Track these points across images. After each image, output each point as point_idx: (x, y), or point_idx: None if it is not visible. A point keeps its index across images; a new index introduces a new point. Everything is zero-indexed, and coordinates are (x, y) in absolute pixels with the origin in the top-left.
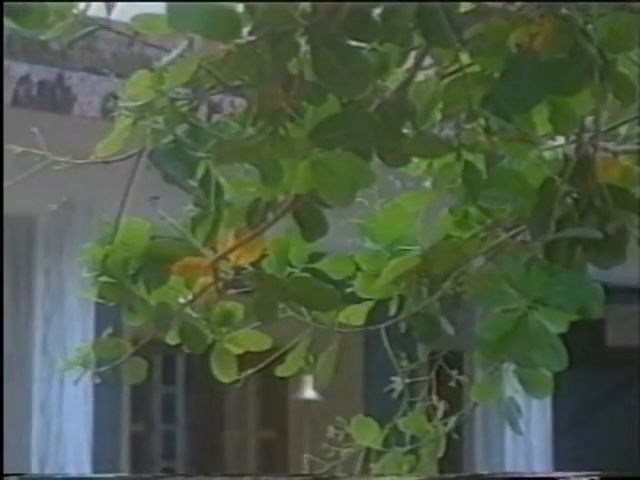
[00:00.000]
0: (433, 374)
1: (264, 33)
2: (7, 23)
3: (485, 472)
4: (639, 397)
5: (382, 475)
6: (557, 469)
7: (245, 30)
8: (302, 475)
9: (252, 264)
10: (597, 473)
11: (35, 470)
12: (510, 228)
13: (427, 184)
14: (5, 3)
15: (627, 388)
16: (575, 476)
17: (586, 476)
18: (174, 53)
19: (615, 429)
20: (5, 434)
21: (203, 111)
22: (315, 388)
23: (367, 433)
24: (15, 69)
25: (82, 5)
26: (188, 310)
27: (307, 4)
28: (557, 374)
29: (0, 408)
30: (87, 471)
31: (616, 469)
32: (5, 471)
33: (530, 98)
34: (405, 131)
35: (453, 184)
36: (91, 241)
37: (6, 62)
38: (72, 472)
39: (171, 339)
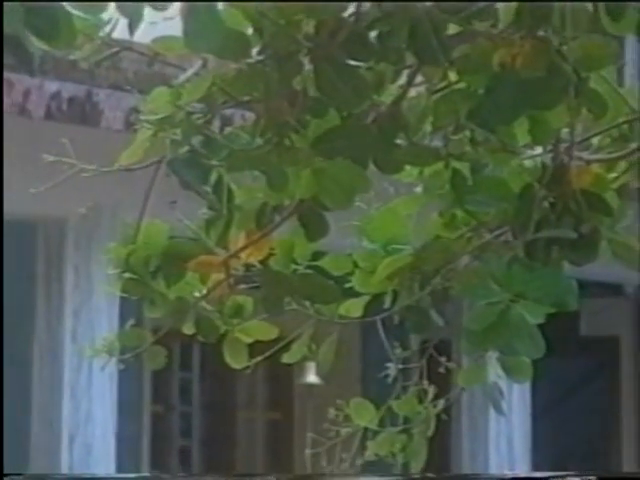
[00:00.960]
0: (424, 361)
1: (271, 53)
2: (40, 44)
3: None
4: (609, 382)
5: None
6: (535, 447)
7: (254, 51)
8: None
9: (260, 262)
10: (594, 473)
11: (65, 448)
12: (493, 229)
13: (418, 190)
14: (37, 25)
15: (598, 374)
16: (572, 476)
17: (582, 476)
18: (190, 72)
19: (587, 411)
20: (38, 415)
21: (216, 124)
22: (317, 373)
23: (364, 414)
24: (47, 86)
25: (107, 28)
26: (203, 303)
27: (310, 27)
28: (535, 361)
29: (0, 408)
30: (112, 448)
31: (587, 446)
32: (50, 447)
33: (511, 112)
34: (398, 142)
35: (442, 190)
36: (116, 241)
37: (39, 80)
38: (99, 448)
39: (187, 329)
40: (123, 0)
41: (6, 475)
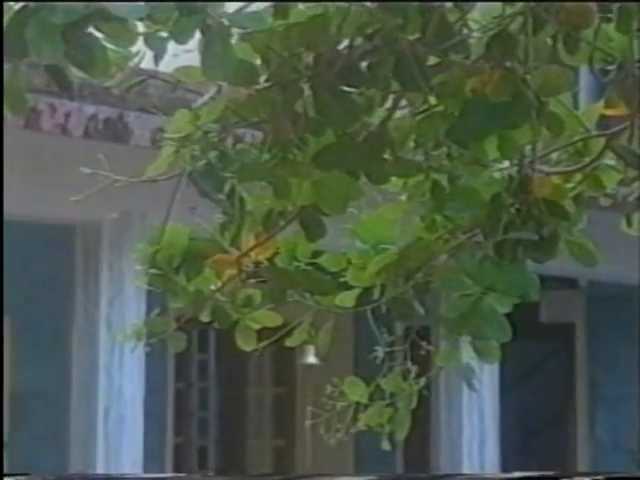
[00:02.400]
0: (407, 344)
1: (276, 81)
2: (78, 73)
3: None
4: (565, 361)
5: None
6: (503, 417)
7: (262, 78)
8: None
9: (268, 259)
10: (601, 472)
11: (100, 419)
12: (467, 231)
13: (403, 198)
14: (76, 57)
15: (556, 355)
16: (580, 475)
17: (590, 476)
18: (207, 97)
19: (547, 386)
20: (77, 391)
21: (229, 141)
22: (316, 355)
23: (356, 390)
24: (85, 109)
25: (136, 59)
26: (218, 295)
27: (310, 58)
28: (503, 344)
29: (0, 409)
30: (141, 419)
31: (547, 415)
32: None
33: (482, 131)
34: (386, 156)
35: (423, 198)
36: (144, 242)
37: (78, 104)
38: (129, 420)
39: (205, 317)
40: (122, 0)
41: (6, 475)
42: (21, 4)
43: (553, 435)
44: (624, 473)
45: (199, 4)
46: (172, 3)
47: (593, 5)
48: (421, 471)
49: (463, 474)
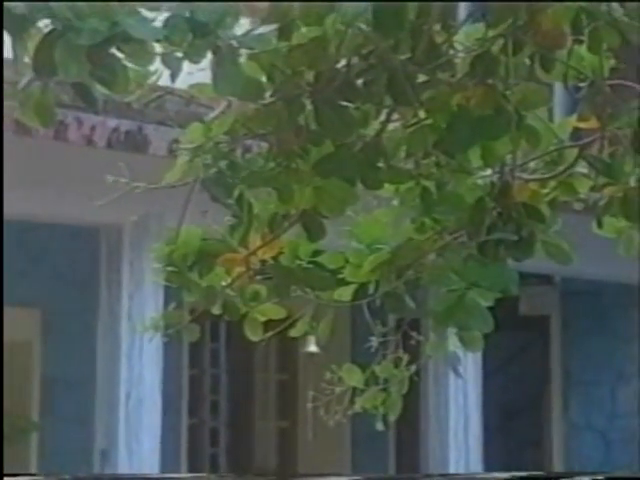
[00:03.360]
0: (399, 335)
1: (280, 96)
2: (102, 90)
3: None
4: (541, 350)
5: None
6: (485, 401)
7: (267, 94)
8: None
9: (273, 258)
10: (602, 473)
11: (122, 402)
12: (453, 233)
13: (395, 202)
14: (100, 76)
15: (533, 345)
16: (581, 475)
17: (591, 476)
18: (218, 111)
19: (525, 373)
20: (101, 377)
21: (238, 151)
22: (317, 344)
23: (353, 376)
24: (108, 122)
25: (154, 77)
26: (228, 290)
27: (311, 76)
28: (485, 335)
29: (0, 410)
30: (159, 402)
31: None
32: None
33: (467, 142)
34: (379, 165)
35: (413, 202)
36: (161, 242)
37: (102, 117)
38: (148, 402)
39: (216, 310)
40: (123, 0)
41: (6, 475)
42: (49, 27)
43: (530, 416)
44: (624, 473)
45: (211, 28)
46: (186, 27)
47: (566, 28)
48: (412, 449)
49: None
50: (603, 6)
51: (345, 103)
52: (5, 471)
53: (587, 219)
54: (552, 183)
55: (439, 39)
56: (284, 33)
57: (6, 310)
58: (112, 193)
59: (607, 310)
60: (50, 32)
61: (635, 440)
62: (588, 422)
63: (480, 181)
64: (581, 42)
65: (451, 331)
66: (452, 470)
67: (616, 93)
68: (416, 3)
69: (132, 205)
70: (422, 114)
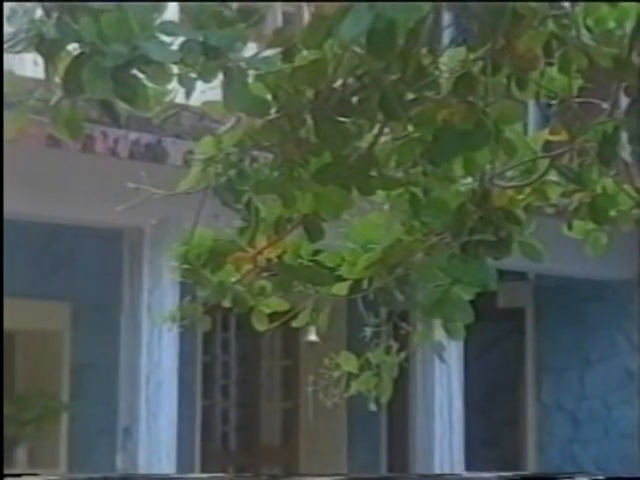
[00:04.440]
0: (390, 325)
1: (284, 112)
2: (125, 106)
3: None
4: (517, 340)
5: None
6: (466, 384)
7: (272, 110)
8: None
9: (277, 257)
10: (602, 473)
11: (142, 385)
12: (439, 234)
13: (386, 207)
14: (123, 94)
15: (509, 335)
16: (580, 475)
17: (590, 476)
18: (228, 125)
19: (502, 360)
20: (124, 364)
21: (246, 161)
22: (316, 334)
23: (349, 362)
24: (131, 136)
25: (171, 95)
26: (237, 286)
27: (311, 94)
28: (467, 325)
29: (0, 411)
30: (175, 385)
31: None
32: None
33: (451, 153)
34: (373, 173)
35: (403, 207)
36: (177, 243)
37: (125, 131)
38: (166, 386)
39: (226, 303)
40: (127, 0)
41: (6, 475)
42: (78, 51)
43: (507, 397)
44: (625, 473)
45: (222, 51)
46: (200, 50)
47: (539, 52)
48: (401, 427)
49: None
50: (572, 32)
51: (342, 118)
52: (41, 447)
53: (558, 222)
54: (527, 190)
55: (425, 61)
56: (287, 56)
57: (40, 303)
58: (134, 199)
59: (576, 303)
60: (78, 55)
61: (600, 419)
62: (558, 403)
63: (462, 188)
64: (552, 64)
65: (436, 322)
66: (437, 445)
67: (584, 110)
68: (405, 30)
69: (152, 209)
70: (410, 128)
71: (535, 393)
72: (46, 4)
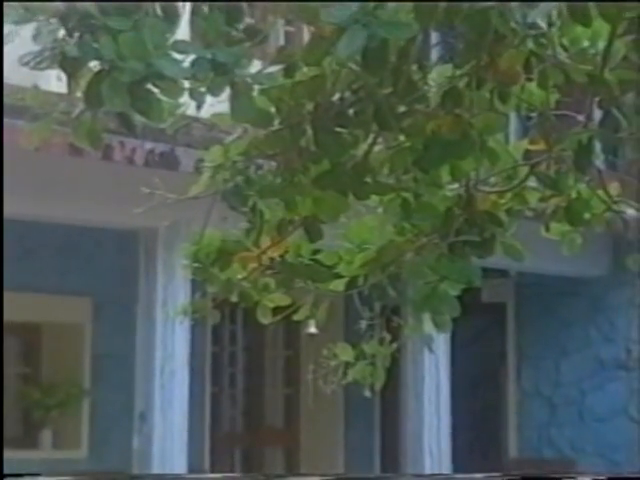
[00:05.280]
0: (383, 319)
1: (286, 124)
2: (141, 118)
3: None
4: (499, 332)
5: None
6: (453, 372)
7: (275, 122)
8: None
9: (280, 256)
10: (603, 473)
11: (157, 373)
12: (428, 235)
13: (380, 210)
14: (139, 107)
15: (492, 327)
16: (582, 475)
17: (593, 476)
18: (235, 135)
19: (485, 351)
20: (140, 355)
21: (252, 169)
22: (316, 326)
23: (345, 353)
24: (146, 145)
25: (183, 108)
26: (243, 282)
27: (311, 106)
28: (454, 319)
29: (0, 411)
30: (187, 373)
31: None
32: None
33: (439, 161)
34: (367, 180)
35: (395, 210)
36: (188, 243)
37: (141, 141)
38: (179, 374)
39: (233, 299)
40: (135, 0)
41: (6, 475)
42: (97, 67)
43: (490, 385)
44: (626, 473)
45: (229, 67)
46: (209, 67)
47: (519, 68)
48: (393, 412)
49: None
50: (549, 50)
51: (339, 129)
52: (65, 429)
53: (537, 224)
54: (508, 195)
55: (415, 77)
56: (289, 72)
57: (63, 298)
58: (149, 203)
59: (552, 298)
60: (98, 71)
61: (575, 404)
62: (537, 389)
63: (449, 193)
64: (531, 80)
65: (426, 316)
66: (426, 427)
67: (560, 121)
68: (397, 48)
69: (165, 213)
70: (402, 138)
71: (515, 380)
72: (69, 25)
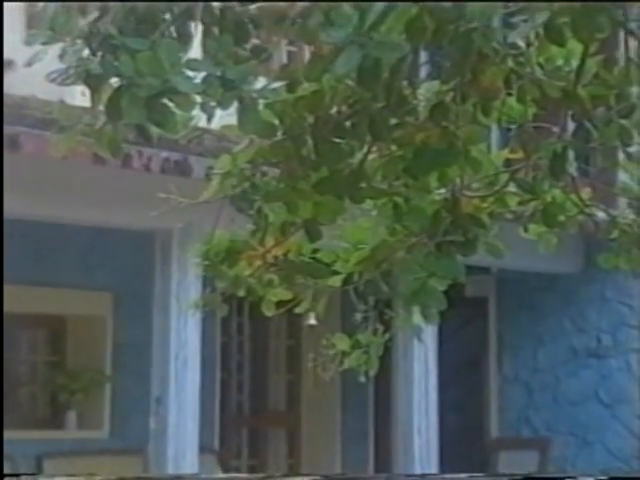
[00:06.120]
0: (377, 312)
1: (289, 135)
2: (156, 130)
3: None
4: (482, 324)
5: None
6: (440, 360)
7: (279, 133)
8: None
9: (283, 255)
10: (604, 473)
11: (172, 361)
12: (417, 235)
13: (374, 213)
14: (155, 119)
15: (475, 319)
16: (584, 476)
17: (595, 477)
18: (242, 145)
19: (469, 339)
20: (156, 344)
21: (257, 175)
22: (315, 318)
23: (342, 342)
24: (162, 154)
25: (195, 120)
26: (250, 278)
27: (311, 119)
28: (441, 311)
29: (0, 408)
30: (198, 361)
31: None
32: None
33: (428, 168)
34: (362, 185)
35: (387, 213)
36: (200, 243)
37: (157, 150)
38: (191, 362)
39: (240, 293)
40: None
41: (6, 475)
42: (118, 84)
43: (473, 371)
44: (627, 474)
45: (237, 83)
46: (218, 83)
47: (500, 84)
48: (385, 396)
49: (425, 475)
50: (527, 68)
51: (337, 139)
52: (88, 411)
53: (516, 226)
54: (490, 199)
55: (406, 92)
56: (291, 87)
57: (86, 292)
58: (164, 206)
59: (530, 293)
60: (118, 87)
61: (550, 389)
62: (516, 375)
63: (437, 197)
64: (511, 95)
65: (415, 308)
66: (415, 410)
67: (537, 133)
68: (389, 66)
69: (179, 215)
70: (394, 148)
71: (496, 367)
72: (92, 46)
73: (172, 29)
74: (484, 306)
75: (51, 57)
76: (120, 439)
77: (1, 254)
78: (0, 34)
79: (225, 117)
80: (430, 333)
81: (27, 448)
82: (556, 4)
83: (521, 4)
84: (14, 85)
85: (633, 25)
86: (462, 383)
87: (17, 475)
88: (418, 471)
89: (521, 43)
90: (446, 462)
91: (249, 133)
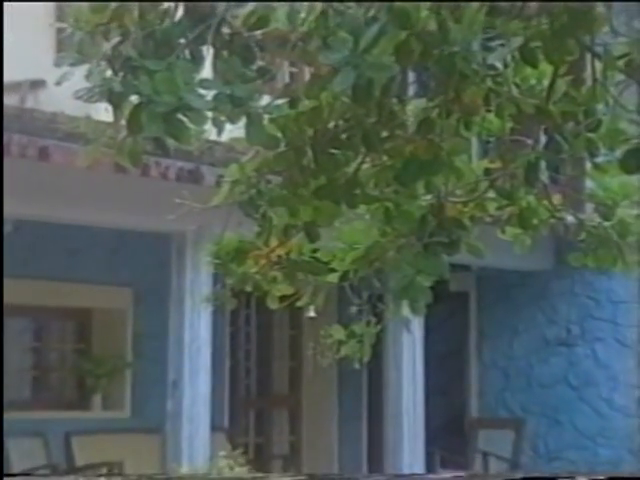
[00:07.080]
0: (370, 305)
1: (291, 146)
2: (172, 142)
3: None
4: (463, 316)
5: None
6: (426, 349)
7: (282, 145)
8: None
9: (286, 254)
10: (603, 473)
11: (187, 350)
12: (406, 237)
13: (367, 217)
14: (171, 132)
15: (457, 312)
16: (580, 475)
17: (591, 476)
18: (249, 156)
19: (452, 329)
20: (172, 334)
21: (263, 183)
22: (315, 311)
23: (339, 333)
24: (177, 164)
25: (206, 133)
26: (256, 276)
27: (311, 132)
28: (427, 305)
29: (0, 408)
30: (209, 350)
31: (452, 345)
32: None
33: (415, 177)
34: (357, 192)
35: (379, 217)
36: (211, 244)
37: (173, 160)
38: (203, 350)
39: (248, 289)
40: (127, 0)
41: (6, 475)
42: (138, 101)
43: (456, 359)
44: (626, 474)
45: (244, 100)
46: (228, 100)
47: (480, 102)
48: (377, 380)
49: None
50: (505, 87)
51: (334, 150)
52: (112, 394)
53: (494, 228)
54: (471, 204)
55: (396, 108)
56: (293, 104)
57: (110, 288)
58: (179, 211)
59: (507, 288)
60: (138, 104)
61: (524, 374)
62: (494, 363)
63: (424, 203)
64: (490, 111)
65: (404, 302)
66: (404, 392)
67: (513, 145)
68: (380, 85)
69: (192, 219)
70: (385, 158)
71: (477, 354)
72: (115, 67)
73: (186, 52)
74: (466, 300)
75: (78, 77)
76: (140, 419)
77: (1, 254)
78: (0, 34)
79: (234, 131)
80: (417, 324)
81: (57, 427)
82: (529, 30)
83: (498, 31)
84: (45, 102)
85: (599, 49)
86: (446, 369)
87: (16, 475)
88: (406, 445)
89: (499, 65)
90: (431, 439)
91: (255, 145)
